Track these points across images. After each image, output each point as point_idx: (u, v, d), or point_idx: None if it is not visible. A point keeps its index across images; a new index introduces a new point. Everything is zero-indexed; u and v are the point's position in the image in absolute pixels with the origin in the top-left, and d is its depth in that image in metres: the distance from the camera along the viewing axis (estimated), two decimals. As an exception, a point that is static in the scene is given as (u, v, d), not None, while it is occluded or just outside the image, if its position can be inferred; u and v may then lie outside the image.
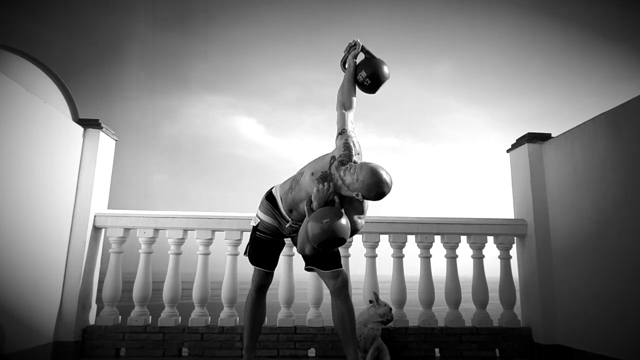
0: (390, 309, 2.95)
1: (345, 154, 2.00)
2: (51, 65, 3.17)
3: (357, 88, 2.32)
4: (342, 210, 1.92)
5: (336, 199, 1.97)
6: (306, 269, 2.36)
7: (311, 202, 1.96)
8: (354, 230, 2.00)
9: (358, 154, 2.03)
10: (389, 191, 1.84)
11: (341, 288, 2.22)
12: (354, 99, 2.25)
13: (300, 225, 2.23)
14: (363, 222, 1.99)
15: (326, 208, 1.90)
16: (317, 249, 1.93)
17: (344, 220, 1.85)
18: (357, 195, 1.86)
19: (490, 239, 3.52)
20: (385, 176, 1.81)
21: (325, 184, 1.95)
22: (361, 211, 1.98)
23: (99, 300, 3.30)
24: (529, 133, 3.51)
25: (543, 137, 3.48)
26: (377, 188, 1.80)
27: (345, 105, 2.20)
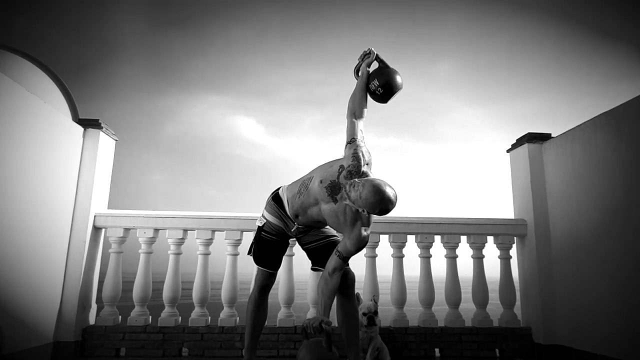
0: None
1: (353, 164, 1.99)
2: (51, 65, 3.17)
3: (368, 97, 2.32)
4: (325, 350, 1.97)
5: (327, 328, 1.95)
6: (313, 269, 2.36)
7: (305, 330, 1.99)
8: (363, 244, 2.01)
9: (367, 164, 2.02)
10: (392, 207, 1.84)
11: (348, 287, 2.22)
12: (365, 109, 2.24)
13: (306, 228, 2.25)
14: (369, 233, 2.01)
15: (311, 349, 1.97)
16: None
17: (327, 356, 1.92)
18: (363, 211, 1.87)
19: (490, 239, 3.52)
20: (388, 193, 1.81)
21: (315, 322, 1.93)
22: (367, 224, 1.99)
23: (99, 300, 3.30)
24: (529, 133, 3.51)
25: (543, 137, 3.48)
26: (380, 205, 1.81)
27: (355, 114, 2.19)
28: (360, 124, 2.17)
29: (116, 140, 3.59)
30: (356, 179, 1.92)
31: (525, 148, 3.51)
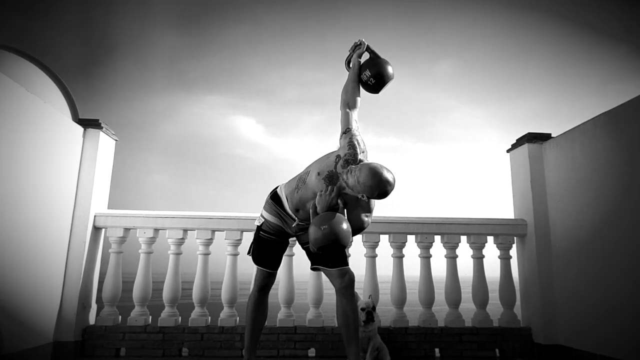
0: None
1: (350, 153, 2.00)
2: (51, 65, 3.18)
3: (361, 87, 2.32)
4: (344, 216, 1.91)
5: (340, 203, 1.96)
6: (312, 269, 2.36)
7: (315, 206, 1.96)
8: (361, 228, 2.00)
9: (363, 152, 2.03)
10: (392, 189, 1.83)
11: (347, 287, 2.22)
12: (358, 98, 2.25)
13: (306, 224, 2.24)
14: (370, 220, 2.00)
15: (328, 213, 1.90)
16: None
17: (344, 226, 1.83)
18: (362, 196, 1.86)
19: (490, 239, 3.52)
20: (385, 175, 1.81)
21: (329, 187, 1.95)
22: (368, 210, 1.98)
23: (99, 300, 3.30)
24: (529, 133, 3.51)
25: (543, 137, 3.48)
26: (379, 188, 1.80)
27: (349, 104, 2.19)
28: (354, 114, 2.17)
29: (116, 140, 3.59)
30: (352, 166, 1.91)
31: (525, 148, 3.51)
